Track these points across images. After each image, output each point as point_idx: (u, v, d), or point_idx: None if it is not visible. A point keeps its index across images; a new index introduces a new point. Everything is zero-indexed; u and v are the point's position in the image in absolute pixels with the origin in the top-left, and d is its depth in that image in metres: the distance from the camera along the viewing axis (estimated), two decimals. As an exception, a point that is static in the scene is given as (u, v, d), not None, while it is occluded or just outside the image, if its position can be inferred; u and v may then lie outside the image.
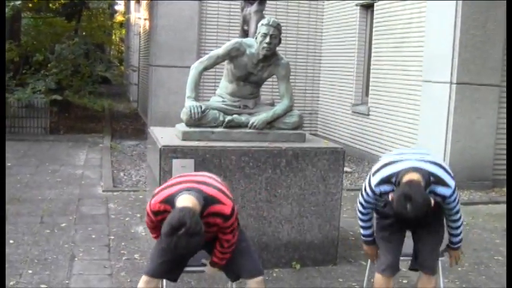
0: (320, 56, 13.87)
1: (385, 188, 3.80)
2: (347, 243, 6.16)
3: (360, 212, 4.10)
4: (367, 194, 3.93)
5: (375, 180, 3.84)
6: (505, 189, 9.35)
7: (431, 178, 3.71)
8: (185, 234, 3.11)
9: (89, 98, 14.19)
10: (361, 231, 4.22)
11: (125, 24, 28.29)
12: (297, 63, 13.52)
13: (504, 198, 8.74)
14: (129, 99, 22.56)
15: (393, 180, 3.74)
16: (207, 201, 3.41)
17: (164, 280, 3.80)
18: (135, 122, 16.04)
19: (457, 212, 3.94)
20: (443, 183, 3.74)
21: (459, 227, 4.07)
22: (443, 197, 3.77)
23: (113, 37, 30.04)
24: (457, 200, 3.86)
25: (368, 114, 11.58)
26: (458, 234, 4.10)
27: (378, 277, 3.96)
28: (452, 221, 4.02)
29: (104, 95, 21.44)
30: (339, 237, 5.63)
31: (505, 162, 9.55)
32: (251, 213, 5.19)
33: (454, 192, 3.77)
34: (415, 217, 3.53)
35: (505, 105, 9.38)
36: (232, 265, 3.74)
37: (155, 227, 3.62)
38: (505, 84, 9.32)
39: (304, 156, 5.26)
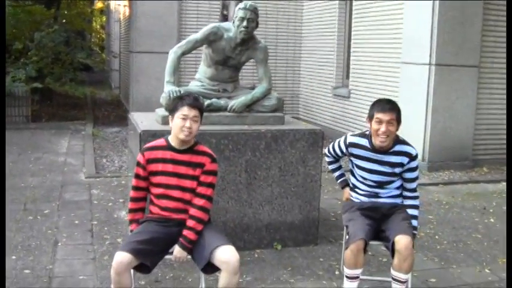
0: (300, 40, 13.90)
1: (358, 139, 4.34)
2: (328, 223, 6.24)
3: (327, 157, 4.71)
4: (339, 143, 4.49)
5: (351, 133, 4.47)
6: (485, 168, 9.50)
7: (400, 137, 4.31)
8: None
9: (70, 85, 14.13)
10: (332, 174, 4.80)
11: (105, 11, 28.13)
12: (278, 47, 13.56)
13: (484, 178, 8.91)
14: (111, 86, 22.48)
15: (367, 133, 4.35)
16: (198, 141, 3.97)
17: (132, 271, 3.73)
18: (117, 108, 16.02)
19: (415, 183, 4.36)
20: (409, 144, 4.31)
21: (417, 206, 4.38)
22: (410, 156, 4.23)
23: (94, 24, 29.85)
24: (418, 169, 4.34)
25: (349, 97, 11.65)
26: (416, 217, 4.34)
27: (348, 249, 4.05)
28: (412, 198, 4.35)
29: (86, 83, 21.38)
30: (320, 217, 5.70)
31: (485, 142, 9.72)
32: (232, 195, 5.25)
33: (417, 156, 4.28)
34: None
35: (484, 85, 9.57)
36: (202, 243, 3.76)
37: (142, 176, 3.90)
38: (484, 65, 9.46)
39: (283, 138, 5.32)
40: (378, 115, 4.13)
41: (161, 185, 3.86)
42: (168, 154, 3.85)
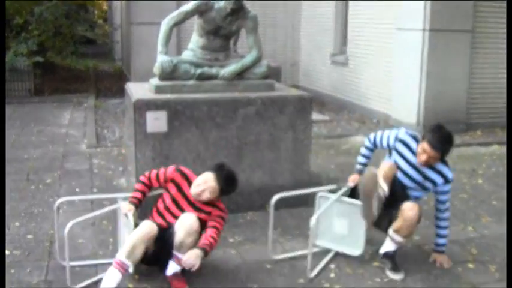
0: (300, 8, 13.97)
1: (410, 139, 4.36)
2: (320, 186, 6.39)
3: (367, 141, 4.68)
4: (389, 136, 4.47)
5: (406, 131, 4.45)
6: (478, 132, 9.65)
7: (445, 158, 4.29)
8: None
9: (72, 58, 14.27)
10: (358, 158, 4.78)
11: (107, -17, 28.06)
12: (277, 15, 13.64)
13: (476, 141, 9.05)
14: (114, 58, 22.59)
15: (418, 138, 4.36)
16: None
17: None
18: (119, 80, 16.12)
19: (447, 205, 4.46)
20: (449, 167, 4.38)
21: (446, 227, 4.53)
22: (446, 178, 4.31)
23: (97, -3, 29.79)
24: (449, 193, 4.44)
25: (346, 64, 11.77)
26: (444, 236, 4.54)
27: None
28: (441, 219, 4.50)
29: (90, 55, 21.48)
30: (312, 181, 5.87)
31: (478, 106, 9.87)
32: (224, 161, 5.41)
33: (451, 180, 4.36)
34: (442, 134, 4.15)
35: (478, 50, 9.68)
36: None
37: (160, 181, 4.29)
38: (477, 30, 9.54)
39: (272, 104, 5.49)
40: (426, 146, 4.14)
41: (165, 206, 4.23)
42: (187, 190, 4.19)
